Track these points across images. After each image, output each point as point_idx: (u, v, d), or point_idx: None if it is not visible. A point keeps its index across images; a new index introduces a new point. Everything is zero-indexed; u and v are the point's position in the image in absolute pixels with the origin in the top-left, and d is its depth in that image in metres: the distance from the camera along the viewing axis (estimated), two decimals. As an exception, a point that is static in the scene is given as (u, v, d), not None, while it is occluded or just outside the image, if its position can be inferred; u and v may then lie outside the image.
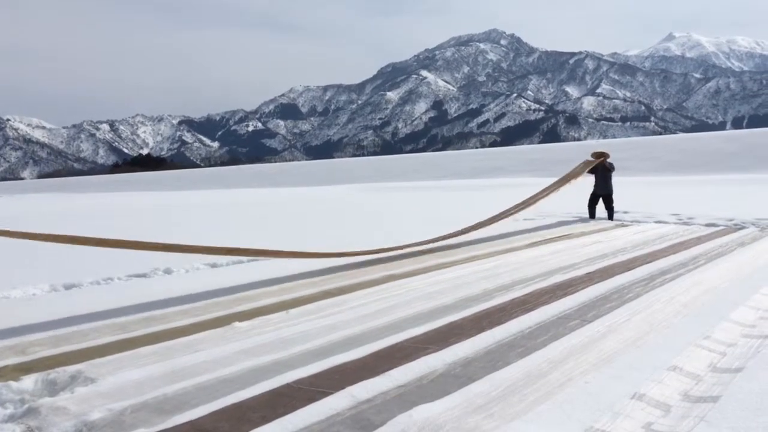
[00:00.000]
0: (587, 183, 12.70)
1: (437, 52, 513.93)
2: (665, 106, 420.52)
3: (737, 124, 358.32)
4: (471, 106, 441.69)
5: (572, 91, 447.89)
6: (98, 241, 5.78)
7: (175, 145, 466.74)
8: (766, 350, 3.79)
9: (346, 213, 16.43)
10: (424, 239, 8.85)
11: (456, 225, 10.18)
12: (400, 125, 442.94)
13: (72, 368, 3.71)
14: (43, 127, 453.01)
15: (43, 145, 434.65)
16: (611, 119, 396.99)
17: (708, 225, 10.64)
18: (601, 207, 12.40)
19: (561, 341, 3.99)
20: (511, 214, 10.95)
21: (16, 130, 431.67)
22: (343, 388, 3.20)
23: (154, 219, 16.26)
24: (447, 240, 9.01)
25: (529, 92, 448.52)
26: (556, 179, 13.05)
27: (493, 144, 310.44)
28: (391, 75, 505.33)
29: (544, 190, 12.30)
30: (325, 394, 3.14)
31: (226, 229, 12.52)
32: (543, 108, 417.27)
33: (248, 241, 9.39)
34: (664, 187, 23.01)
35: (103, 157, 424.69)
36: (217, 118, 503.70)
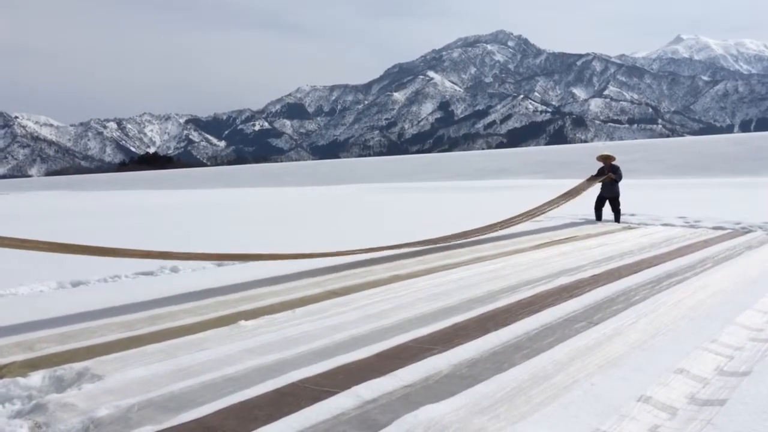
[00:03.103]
0: (594, 185, 12.67)
1: (444, 53, 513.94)
2: (673, 109, 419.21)
3: (745, 127, 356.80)
4: (478, 107, 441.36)
5: (579, 92, 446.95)
6: (82, 248, 5.68)
7: (182, 144, 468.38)
8: (774, 354, 3.77)
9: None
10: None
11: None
12: (406, 126, 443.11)
13: (79, 365, 3.73)
14: (51, 125, 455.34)
15: (50, 143, 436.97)
16: (618, 121, 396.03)
17: (715, 228, 10.60)
18: (607, 209, 12.37)
19: (567, 343, 3.98)
20: (516, 222, 10.93)
21: (24, 127, 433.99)
22: (348, 387, 3.21)
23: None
24: (450, 240, 9.01)
25: (536, 94, 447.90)
26: (562, 192, 12.96)
27: (500, 145, 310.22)
28: (398, 75, 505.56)
29: (548, 203, 12.21)
30: (330, 394, 3.14)
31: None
32: (550, 110, 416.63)
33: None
34: (671, 189, 22.92)
35: (111, 155, 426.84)
36: (224, 118, 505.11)
